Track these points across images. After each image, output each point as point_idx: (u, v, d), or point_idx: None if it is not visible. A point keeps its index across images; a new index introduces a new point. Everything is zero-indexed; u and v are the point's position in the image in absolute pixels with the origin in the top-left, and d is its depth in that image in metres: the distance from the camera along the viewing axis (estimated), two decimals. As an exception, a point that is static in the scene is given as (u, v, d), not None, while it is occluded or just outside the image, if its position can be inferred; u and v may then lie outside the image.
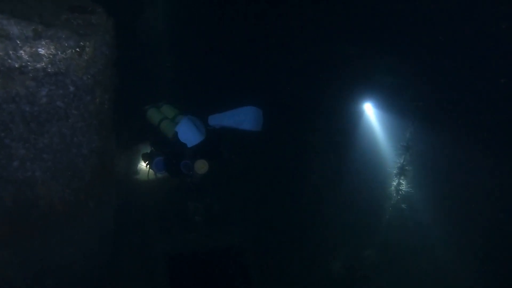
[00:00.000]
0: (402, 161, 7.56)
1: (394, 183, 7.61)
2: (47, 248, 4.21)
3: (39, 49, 3.41)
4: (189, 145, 4.67)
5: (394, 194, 7.61)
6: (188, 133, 4.70)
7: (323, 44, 7.26)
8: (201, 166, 4.58)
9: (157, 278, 6.31)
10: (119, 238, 6.04)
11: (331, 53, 7.27)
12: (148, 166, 5.14)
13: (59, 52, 3.50)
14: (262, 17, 7.24)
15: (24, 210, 3.96)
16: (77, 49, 3.68)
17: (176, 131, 4.72)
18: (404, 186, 7.56)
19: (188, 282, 6.40)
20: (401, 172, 7.60)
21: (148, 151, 5.35)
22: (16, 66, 3.38)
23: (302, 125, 7.83)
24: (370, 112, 8.10)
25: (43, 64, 3.48)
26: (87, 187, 4.50)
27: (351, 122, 7.94)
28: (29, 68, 3.43)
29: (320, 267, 6.98)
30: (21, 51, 3.36)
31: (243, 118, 4.86)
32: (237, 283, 6.54)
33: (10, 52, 3.34)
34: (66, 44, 3.53)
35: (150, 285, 6.24)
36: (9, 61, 3.36)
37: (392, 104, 7.65)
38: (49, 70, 3.56)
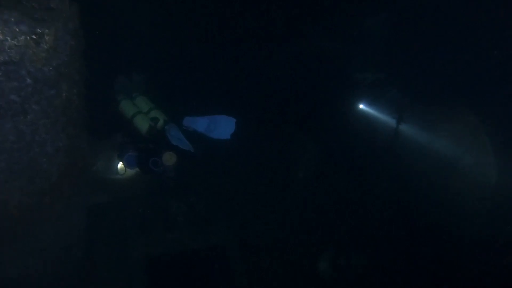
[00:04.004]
0: (389, 158, 7.42)
1: (383, 183, 7.46)
2: (3, 261, 3.82)
3: (-17, 35, 3.00)
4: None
5: (383, 194, 7.44)
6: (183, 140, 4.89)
7: (303, 40, 7.09)
8: (169, 158, 4.62)
9: (136, 281, 5.99)
10: (95, 240, 5.74)
11: (312, 50, 7.12)
12: (118, 158, 5.05)
13: (9, 38, 3.09)
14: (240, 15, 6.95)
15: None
16: (33, 36, 3.28)
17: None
18: (393, 186, 7.40)
19: (169, 284, 6.08)
20: (388, 171, 7.45)
21: (119, 141, 5.20)
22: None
23: (288, 124, 7.64)
24: (356, 109, 8.00)
25: (-12, 51, 3.08)
26: (53, 189, 4.14)
27: (337, 119, 7.78)
28: (-27, 56, 3.03)
29: (306, 267, 6.80)
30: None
31: (214, 127, 5.01)
32: (220, 284, 6.27)
33: None
34: (17, 29, 3.11)
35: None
36: None
37: (376, 100, 7.58)
38: (-3, 59, 3.15)
